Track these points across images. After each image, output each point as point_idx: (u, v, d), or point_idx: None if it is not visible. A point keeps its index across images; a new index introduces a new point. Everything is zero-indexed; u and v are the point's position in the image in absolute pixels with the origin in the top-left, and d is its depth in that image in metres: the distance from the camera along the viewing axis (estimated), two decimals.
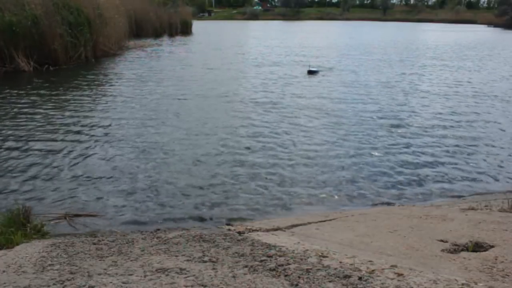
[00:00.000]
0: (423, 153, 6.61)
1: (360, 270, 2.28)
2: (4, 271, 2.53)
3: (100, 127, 7.82)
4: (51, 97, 10.37)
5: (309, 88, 11.77)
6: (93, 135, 7.28)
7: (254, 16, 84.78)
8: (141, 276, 2.34)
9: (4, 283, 2.28)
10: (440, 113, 9.19)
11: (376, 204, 4.86)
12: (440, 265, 2.48)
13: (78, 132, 7.45)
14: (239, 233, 3.58)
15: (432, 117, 8.89)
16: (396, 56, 20.53)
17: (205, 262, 2.62)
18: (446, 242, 2.92)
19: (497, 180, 5.65)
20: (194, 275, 2.31)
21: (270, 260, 2.57)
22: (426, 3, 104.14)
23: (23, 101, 9.90)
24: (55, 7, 14.44)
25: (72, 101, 9.99)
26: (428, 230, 3.28)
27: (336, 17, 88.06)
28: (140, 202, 4.78)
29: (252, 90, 11.47)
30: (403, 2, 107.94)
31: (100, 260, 2.77)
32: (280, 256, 2.65)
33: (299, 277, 2.22)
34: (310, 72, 14.00)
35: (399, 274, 2.18)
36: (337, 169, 5.86)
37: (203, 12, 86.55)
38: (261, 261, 2.57)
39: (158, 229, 4.06)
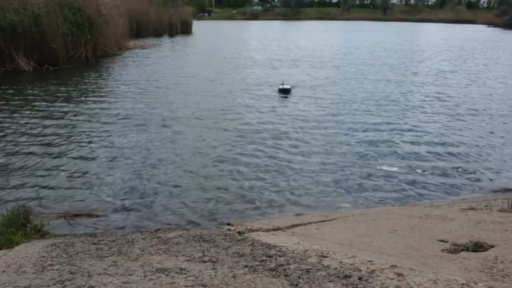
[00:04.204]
0: (422, 154, 6.61)
1: (360, 270, 2.28)
2: (4, 271, 2.53)
3: (99, 128, 7.83)
4: (50, 98, 10.37)
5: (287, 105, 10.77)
6: (92, 136, 7.29)
7: (254, 16, 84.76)
8: (141, 276, 2.34)
9: (4, 283, 2.28)
10: (440, 115, 9.19)
11: (376, 204, 4.86)
12: (440, 265, 2.47)
13: (78, 133, 7.45)
14: (239, 233, 3.58)
15: (432, 118, 8.89)
16: (389, 62, 20.40)
17: (205, 262, 2.62)
18: (446, 242, 2.92)
19: (497, 180, 5.65)
20: (194, 275, 2.31)
21: (270, 260, 2.57)
22: (426, 3, 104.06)
23: (22, 101, 9.90)
24: (58, 7, 14.44)
25: (72, 102, 9.99)
26: (428, 230, 3.27)
27: (336, 17, 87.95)
28: (140, 202, 4.78)
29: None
30: (403, 2, 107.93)
31: (100, 260, 2.77)
32: (280, 256, 2.65)
33: (299, 277, 2.22)
34: (282, 91, 11.23)
35: (399, 274, 2.18)
36: (337, 170, 5.86)
37: (203, 12, 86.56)
38: (261, 261, 2.57)
39: (158, 229, 4.06)
